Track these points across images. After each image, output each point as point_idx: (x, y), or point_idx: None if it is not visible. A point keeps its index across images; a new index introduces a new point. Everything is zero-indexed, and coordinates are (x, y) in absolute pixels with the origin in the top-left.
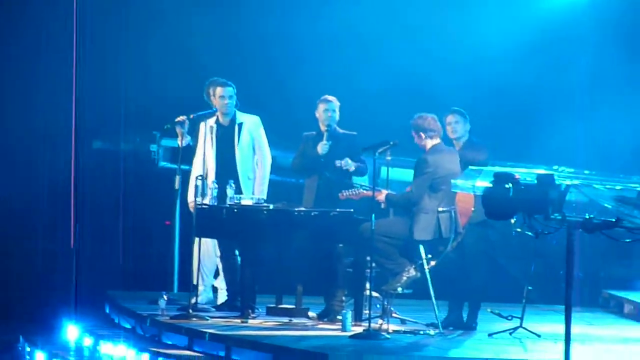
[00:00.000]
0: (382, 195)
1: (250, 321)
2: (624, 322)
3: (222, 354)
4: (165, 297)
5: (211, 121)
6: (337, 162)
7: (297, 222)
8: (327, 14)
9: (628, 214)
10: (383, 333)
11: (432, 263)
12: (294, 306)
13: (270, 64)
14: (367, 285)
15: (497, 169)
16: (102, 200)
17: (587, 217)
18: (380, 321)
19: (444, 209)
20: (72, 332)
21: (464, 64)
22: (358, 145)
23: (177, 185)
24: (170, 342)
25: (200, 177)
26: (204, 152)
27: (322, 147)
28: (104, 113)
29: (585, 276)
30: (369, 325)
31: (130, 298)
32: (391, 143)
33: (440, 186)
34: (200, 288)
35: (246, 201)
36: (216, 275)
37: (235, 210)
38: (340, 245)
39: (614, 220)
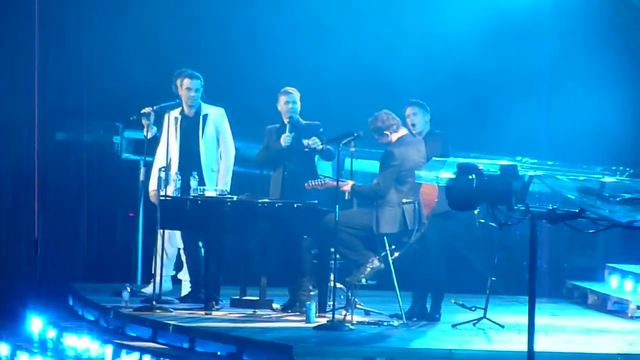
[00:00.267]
0: (347, 186)
1: (215, 313)
2: (587, 313)
3: (186, 345)
4: (128, 289)
5: (176, 112)
6: (305, 141)
7: (261, 213)
8: (287, 4)
9: (591, 204)
10: (347, 324)
11: (396, 254)
12: (258, 298)
13: (233, 55)
14: (331, 277)
15: (461, 160)
16: (65, 191)
17: (551, 207)
18: (344, 312)
19: (408, 200)
20: (35, 324)
21: (425, 52)
22: (321, 134)
23: (141, 177)
24: (134, 334)
25: (163, 169)
26: (167, 143)
27: (284, 140)
28: (67, 104)
29: (549, 267)
30: (333, 317)
31: (94, 290)
32: (355, 134)
33: (407, 179)
34: (158, 278)
35: (210, 193)
36: (180, 267)
37: (199, 202)
38: (305, 236)
39: (577, 210)
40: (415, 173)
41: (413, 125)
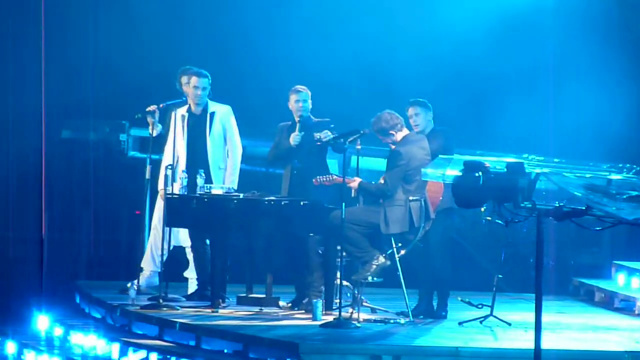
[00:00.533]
0: (354, 183)
1: (221, 311)
2: (594, 310)
3: (192, 343)
4: (135, 286)
5: (183, 110)
6: (317, 135)
7: (267, 211)
8: (290, 4)
9: (597, 201)
10: (353, 322)
11: (402, 252)
12: (264, 295)
13: (239, 54)
14: (338, 274)
15: (467, 157)
16: (71, 189)
17: (557, 205)
18: (350, 310)
19: (414, 197)
20: (42, 322)
21: (429, 52)
22: (332, 130)
23: (147, 175)
24: (140, 332)
25: (170, 167)
26: (174, 141)
27: (294, 139)
28: (73, 102)
29: (556, 264)
30: (340, 314)
31: (101, 287)
32: (361, 132)
33: (414, 177)
34: (146, 273)
35: (216, 190)
36: (186, 265)
37: (205, 200)
38: (311, 234)
39: (583, 208)
40: (421, 171)
41: (416, 125)
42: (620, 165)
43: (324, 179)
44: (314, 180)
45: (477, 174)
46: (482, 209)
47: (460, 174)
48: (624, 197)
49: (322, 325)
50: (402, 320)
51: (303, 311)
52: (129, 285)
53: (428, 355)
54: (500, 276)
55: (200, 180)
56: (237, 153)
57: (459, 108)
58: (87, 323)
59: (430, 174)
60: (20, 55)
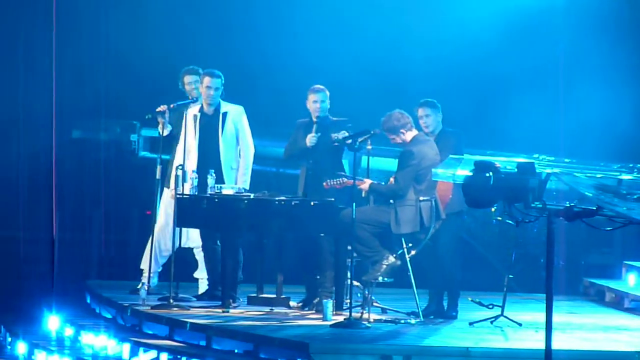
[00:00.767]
0: (365, 185)
1: (231, 311)
2: (604, 311)
3: (203, 343)
4: (145, 286)
5: (195, 110)
6: (334, 135)
7: (277, 211)
8: (300, 4)
9: (608, 202)
10: (364, 322)
11: (413, 252)
12: (274, 295)
13: (249, 54)
14: (348, 275)
15: (478, 157)
16: (82, 189)
17: (568, 205)
18: (361, 310)
19: (425, 198)
20: (53, 322)
21: (440, 51)
22: (349, 129)
23: (158, 175)
24: (151, 332)
25: (180, 167)
26: (185, 141)
27: (310, 140)
28: (84, 103)
29: (566, 264)
30: (350, 315)
31: (111, 287)
32: (372, 132)
33: (425, 177)
34: (146, 274)
35: (227, 191)
36: (196, 266)
37: (216, 200)
38: (322, 234)
39: (594, 208)
40: (432, 171)
41: (426, 126)
42: (631, 165)
43: (335, 182)
44: (324, 184)
45: (487, 174)
46: (493, 209)
47: (470, 174)
48: (635, 197)
49: (332, 326)
50: (413, 321)
51: (313, 311)
52: (139, 286)
53: (438, 356)
54: (510, 276)
55: (210, 181)
56: (250, 153)
57: (469, 108)
58: (97, 323)
59: (441, 174)
60: (31, 55)
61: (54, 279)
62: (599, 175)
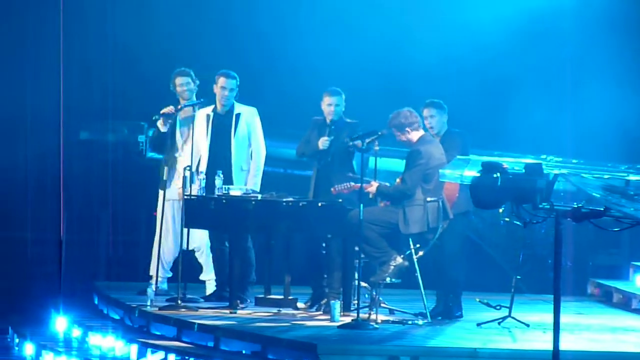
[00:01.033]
0: (372, 188)
1: (239, 312)
2: (612, 312)
3: (211, 344)
4: (153, 287)
5: (208, 110)
6: (349, 141)
7: (285, 212)
8: (307, 4)
9: (616, 202)
10: (372, 323)
11: (420, 253)
12: (282, 296)
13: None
14: (356, 276)
15: (485, 158)
16: (90, 190)
17: (575, 206)
18: (369, 311)
19: (432, 199)
20: (60, 323)
21: (448, 51)
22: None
23: (165, 176)
24: (158, 333)
25: (188, 168)
26: (193, 141)
27: (322, 143)
28: (91, 104)
29: (574, 265)
30: (358, 316)
31: (119, 288)
32: (379, 133)
33: (433, 176)
34: (154, 280)
35: (235, 191)
36: (200, 269)
37: (224, 201)
38: (329, 235)
39: (602, 209)
40: (440, 172)
41: (431, 127)
42: (639, 166)
43: (343, 188)
44: (332, 189)
45: (495, 175)
46: (501, 210)
47: (478, 174)
48: None
49: (340, 326)
50: (420, 321)
51: (321, 312)
52: (154, 287)
53: (446, 356)
54: (518, 277)
55: (218, 181)
56: (261, 155)
57: (476, 109)
58: (105, 324)
59: (449, 175)
60: (38, 56)
61: (62, 280)
62: (606, 176)
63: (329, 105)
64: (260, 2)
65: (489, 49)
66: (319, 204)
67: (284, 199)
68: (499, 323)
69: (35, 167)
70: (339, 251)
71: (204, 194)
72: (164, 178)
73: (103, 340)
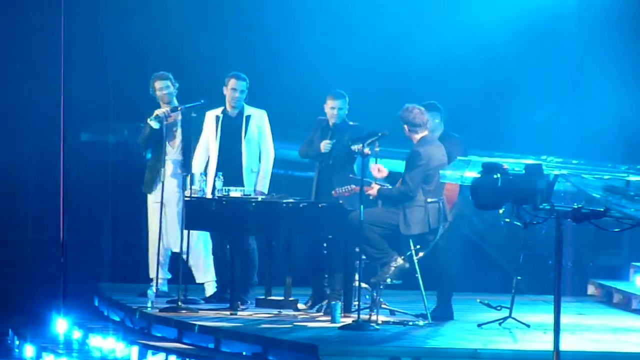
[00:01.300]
0: (373, 190)
1: (240, 313)
2: (613, 312)
3: (211, 345)
4: (154, 289)
5: (217, 111)
6: (354, 147)
7: (285, 213)
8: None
9: (616, 203)
10: (372, 324)
11: (421, 254)
12: (283, 298)
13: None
14: (357, 277)
15: (485, 159)
16: (90, 192)
17: (576, 206)
18: (369, 312)
19: (432, 200)
20: (61, 325)
21: (449, 51)
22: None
23: (163, 177)
24: (159, 335)
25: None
26: (194, 142)
27: (324, 147)
28: (92, 105)
29: (574, 266)
30: (359, 317)
31: (120, 290)
32: (380, 134)
33: (434, 177)
34: (154, 282)
35: (234, 193)
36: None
37: (224, 202)
38: (330, 236)
39: (602, 209)
40: (440, 173)
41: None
42: (639, 166)
43: (343, 191)
44: (333, 192)
45: (495, 176)
46: (501, 211)
47: (478, 175)
48: None
49: (341, 328)
50: (421, 322)
51: (322, 313)
52: (154, 288)
53: (447, 357)
54: (519, 278)
55: (218, 183)
56: (270, 157)
57: (477, 109)
58: (106, 326)
59: (449, 176)
60: (39, 57)
61: (62, 282)
62: (607, 177)
63: (332, 109)
64: (262, 4)
65: (490, 49)
66: (320, 205)
67: (285, 200)
68: (499, 324)
69: (35, 168)
70: (339, 252)
71: (204, 196)
72: (149, 181)
73: (104, 342)
